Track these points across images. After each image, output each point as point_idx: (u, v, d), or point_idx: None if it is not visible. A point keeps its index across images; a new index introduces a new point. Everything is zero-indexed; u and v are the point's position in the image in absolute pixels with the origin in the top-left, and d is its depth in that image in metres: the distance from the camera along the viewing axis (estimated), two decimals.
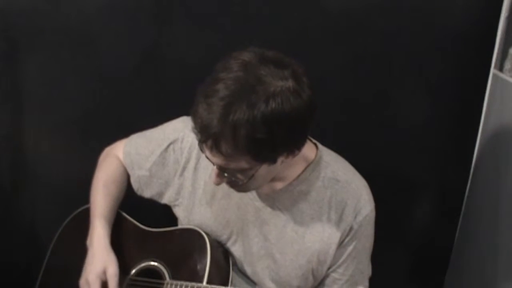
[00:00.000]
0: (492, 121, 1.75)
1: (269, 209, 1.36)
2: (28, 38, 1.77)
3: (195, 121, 1.15)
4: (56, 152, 1.91)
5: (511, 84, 1.62)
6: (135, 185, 1.52)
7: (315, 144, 1.38)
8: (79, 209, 1.57)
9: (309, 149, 1.35)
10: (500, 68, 1.70)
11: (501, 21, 1.70)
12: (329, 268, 1.38)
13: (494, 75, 1.74)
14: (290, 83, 1.12)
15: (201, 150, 1.21)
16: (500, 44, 1.71)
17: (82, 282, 1.38)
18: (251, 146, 1.12)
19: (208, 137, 1.13)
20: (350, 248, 1.35)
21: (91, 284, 1.35)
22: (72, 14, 1.75)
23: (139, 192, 1.52)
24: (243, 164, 1.17)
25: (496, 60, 1.73)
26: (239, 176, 1.21)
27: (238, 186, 1.26)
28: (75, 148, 1.89)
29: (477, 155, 1.84)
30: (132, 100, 1.84)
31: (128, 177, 1.53)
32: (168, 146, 1.45)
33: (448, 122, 1.85)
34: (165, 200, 1.49)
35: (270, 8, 1.74)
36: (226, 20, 1.75)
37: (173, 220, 1.52)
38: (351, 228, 1.33)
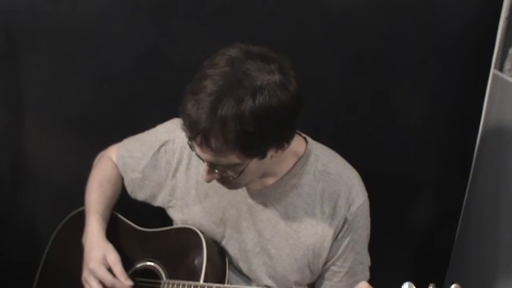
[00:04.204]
0: (492, 121, 1.75)
1: (262, 205, 1.37)
2: (28, 38, 1.77)
3: (183, 118, 1.16)
4: (56, 152, 1.91)
5: (511, 84, 1.62)
6: (128, 188, 1.53)
7: (305, 138, 1.39)
8: (74, 212, 1.58)
9: (298, 144, 1.35)
10: (500, 68, 1.70)
11: (501, 21, 1.70)
12: (327, 262, 1.38)
13: (494, 75, 1.74)
14: (276, 77, 1.13)
15: (191, 147, 1.22)
16: (500, 44, 1.71)
17: (84, 274, 1.38)
18: (240, 140, 1.13)
19: (197, 133, 1.14)
20: (347, 240, 1.35)
21: (94, 270, 1.35)
22: (72, 14, 1.75)
23: (132, 195, 1.53)
24: (233, 159, 1.17)
25: (496, 60, 1.72)
26: (229, 172, 1.22)
27: (228, 182, 1.26)
28: (75, 148, 1.88)
29: (477, 155, 1.84)
30: (132, 100, 1.84)
31: (122, 179, 1.53)
32: (160, 147, 1.45)
33: (448, 122, 1.85)
34: (158, 202, 1.50)
35: (270, 8, 1.74)
36: (226, 20, 1.75)
37: (168, 220, 1.52)
38: (345, 220, 1.34)
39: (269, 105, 1.12)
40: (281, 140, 1.21)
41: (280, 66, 1.15)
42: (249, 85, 1.11)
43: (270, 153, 1.21)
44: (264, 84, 1.12)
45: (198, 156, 1.21)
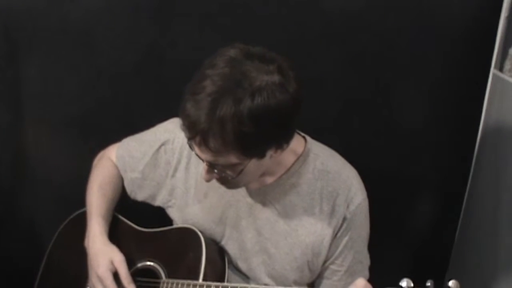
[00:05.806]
0: (492, 121, 1.75)
1: (261, 204, 1.37)
2: (28, 38, 1.77)
3: (183, 118, 1.16)
4: (56, 152, 1.91)
5: (511, 84, 1.62)
6: (128, 188, 1.53)
7: (304, 137, 1.39)
8: (75, 213, 1.58)
9: (297, 142, 1.36)
10: (500, 68, 1.70)
11: (501, 21, 1.70)
12: (326, 260, 1.38)
13: (494, 75, 1.74)
14: (275, 77, 1.13)
15: (190, 147, 1.22)
16: (500, 44, 1.71)
17: (93, 280, 1.39)
18: (238, 140, 1.13)
19: (196, 133, 1.14)
20: (345, 239, 1.36)
21: (103, 278, 1.36)
22: (72, 14, 1.75)
23: (132, 195, 1.53)
24: (232, 159, 1.18)
25: (496, 60, 1.73)
26: (228, 172, 1.22)
27: (228, 182, 1.27)
28: (75, 148, 1.89)
29: (477, 155, 1.84)
30: (132, 99, 1.85)
31: (122, 179, 1.53)
32: (160, 147, 1.45)
33: (448, 122, 1.85)
34: (158, 202, 1.50)
35: (270, 8, 1.74)
36: (226, 20, 1.75)
37: (168, 220, 1.52)
38: (344, 218, 1.34)
39: (267, 106, 1.12)
40: (280, 140, 1.21)
41: (279, 67, 1.15)
42: (248, 86, 1.11)
43: (269, 153, 1.22)
44: (263, 84, 1.12)
45: (198, 155, 1.21)
